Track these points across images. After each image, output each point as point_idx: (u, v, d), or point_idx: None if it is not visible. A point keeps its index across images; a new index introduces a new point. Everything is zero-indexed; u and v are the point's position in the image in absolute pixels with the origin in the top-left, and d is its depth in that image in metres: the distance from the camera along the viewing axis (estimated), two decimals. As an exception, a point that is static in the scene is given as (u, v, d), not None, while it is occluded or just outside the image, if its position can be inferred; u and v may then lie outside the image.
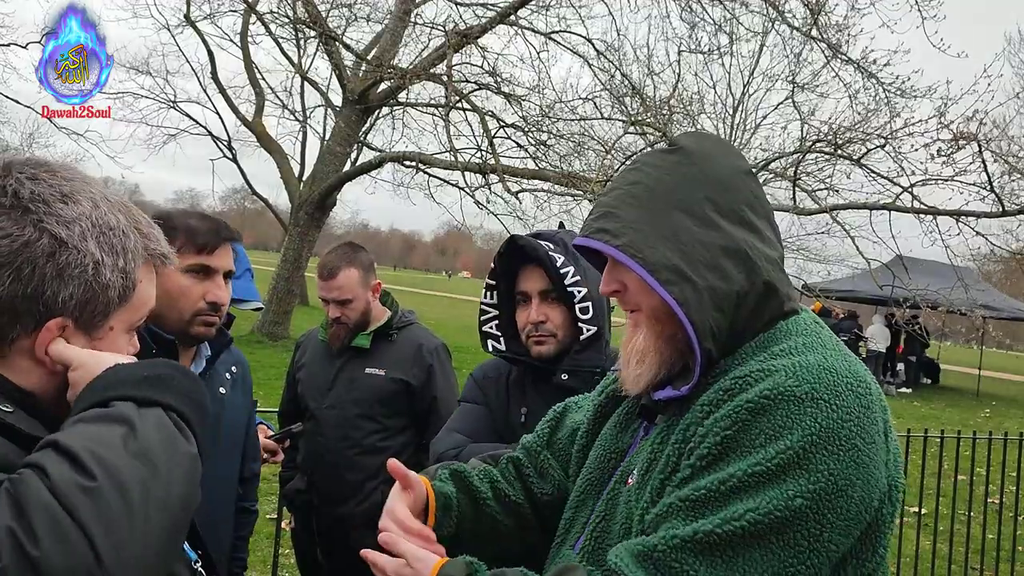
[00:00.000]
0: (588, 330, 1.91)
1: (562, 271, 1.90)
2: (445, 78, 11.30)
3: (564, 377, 1.93)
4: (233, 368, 2.13)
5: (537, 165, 12.97)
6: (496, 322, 2.06)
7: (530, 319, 1.96)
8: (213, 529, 1.97)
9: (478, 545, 1.31)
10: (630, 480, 1.18)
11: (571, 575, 1.09)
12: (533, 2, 12.60)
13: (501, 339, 2.05)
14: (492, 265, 2.02)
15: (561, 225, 2.22)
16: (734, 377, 1.07)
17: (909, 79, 11.06)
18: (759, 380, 1.04)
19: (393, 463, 1.33)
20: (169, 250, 1.07)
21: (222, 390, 2.04)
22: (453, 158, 12.24)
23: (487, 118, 11.89)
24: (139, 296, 1.02)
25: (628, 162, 1.32)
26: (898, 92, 11.13)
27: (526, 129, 12.69)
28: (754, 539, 0.97)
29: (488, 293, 2.05)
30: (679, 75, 12.82)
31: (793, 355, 1.07)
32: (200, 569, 1.15)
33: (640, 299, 1.17)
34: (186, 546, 1.13)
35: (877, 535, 1.06)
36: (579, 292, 1.90)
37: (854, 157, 11.03)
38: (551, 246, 1.95)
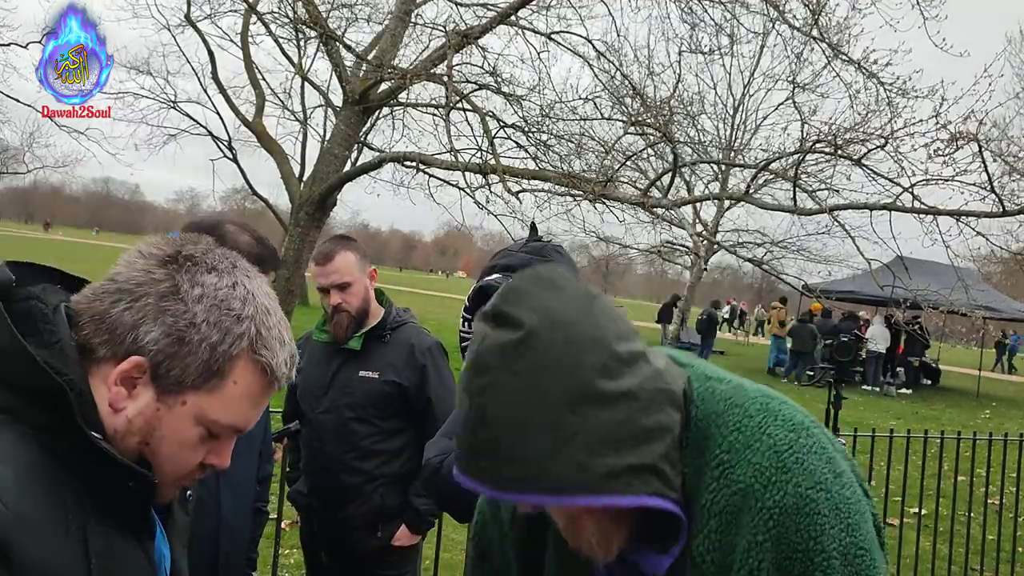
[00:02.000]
0: None
1: None
2: (445, 78, 11.30)
3: None
4: None
5: (538, 165, 12.97)
6: None
7: None
8: (233, 530, 1.99)
9: None
10: None
11: None
12: (533, 2, 12.60)
13: None
14: (466, 303, 1.98)
15: (533, 227, 2.13)
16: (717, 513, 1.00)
17: (910, 79, 11.08)
18: (748, 499, 0.99)
19: None
20: (283, 373, 1.03)
21: None
22: (453, 158, 12.23)
23: (487, 118, 11.88)
24: (228, 393, 1.00)
25: (473, 369, 0.99)
26: (899, 92, 11.14)
27: (526, 129, 12.69)
28: None
29: (465, 323, 2.01)
30: (679, 76, 12.84)
31: (739, 451, 1.01)
32: None
33: (576, 512, 1.02)
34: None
35: None
36: None
37: (854, 157, 11.03)
38: None
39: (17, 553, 0.82)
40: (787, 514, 0.97)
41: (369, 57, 14.34)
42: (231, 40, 16.77)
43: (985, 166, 9.57)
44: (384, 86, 13.68)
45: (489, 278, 1.94)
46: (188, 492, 1.25)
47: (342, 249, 2.73)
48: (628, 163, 13.75)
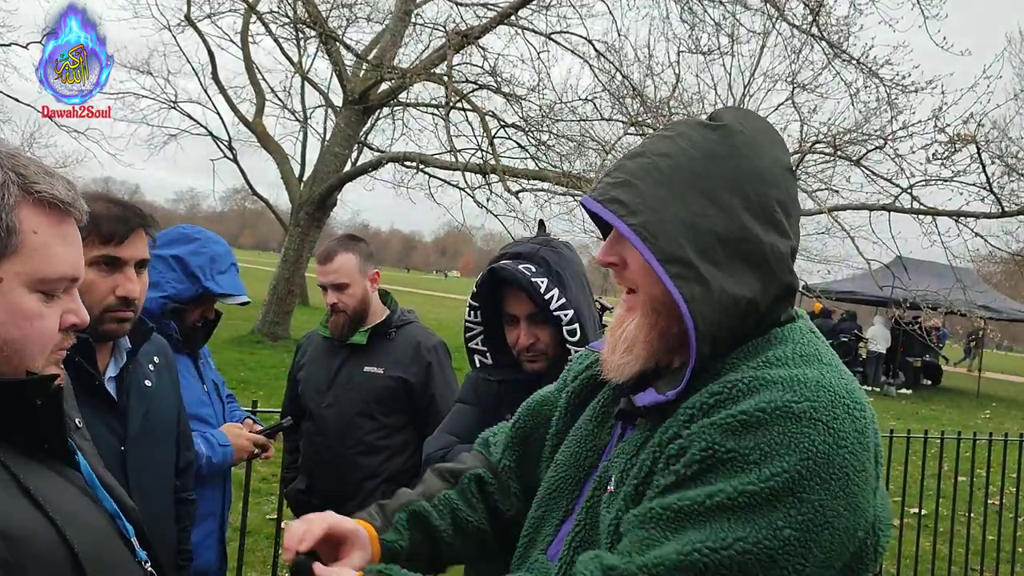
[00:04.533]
0: (576, 352, 1.89)
1: (546, 296, 1.86)
2: (445, 78, 11.30)
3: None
4: (156, 359, 2.05)
5: (537, 165, 12.97)
6: (482, 338, 2.04)
7: (520, 344, 1.94)
8: (153, 523, 1.91)
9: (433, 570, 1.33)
10: (609, 488, 1.10)
11: None
12: (534, 2, 12.59)
13: (488, 354, 2.03)
14: (474, 289, 1.99)
15: (541, 224, 2.16)
16: (724, 381, 1.00)
17: (910, 75, 11.08)
18: (753, 390, 0.97)
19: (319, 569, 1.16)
20: (72, 197, 0.98)
21: (147, 383, 1.98)
22: (453, 158, 12.24)
23: (487, 118, 11.88)
24: (35, 244, 0.94)
25: (664, 127, 1.22)
26: (899, 88, 11.13)
27: (526, 129, 12.69)
28: (740, 571, 0.90)
29: (472, 312, 2.02)
30: (679, 75, 12.83)
31: (789, 366, 1.01)
32: (151, 569, 1.13)
33: (640, 281, 1.08)
34: (136, 547, 1.11)
35: (860, 567, 1.01)
36: (566, 315, 1.87)
37: (853, 158, 11.04)
38: (533, 269, 1.90)
39: None
40: (773, 420, 0.94)
41: (369, 57, 14.33)
42: (231, 40, 16.82)
43: (983, 167, 9.59)
44: (384, 86, 13.67)
45: (499, 263, 1.95)
46: (77, 420, 1.20)
47: (343, 251, 2.76)
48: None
